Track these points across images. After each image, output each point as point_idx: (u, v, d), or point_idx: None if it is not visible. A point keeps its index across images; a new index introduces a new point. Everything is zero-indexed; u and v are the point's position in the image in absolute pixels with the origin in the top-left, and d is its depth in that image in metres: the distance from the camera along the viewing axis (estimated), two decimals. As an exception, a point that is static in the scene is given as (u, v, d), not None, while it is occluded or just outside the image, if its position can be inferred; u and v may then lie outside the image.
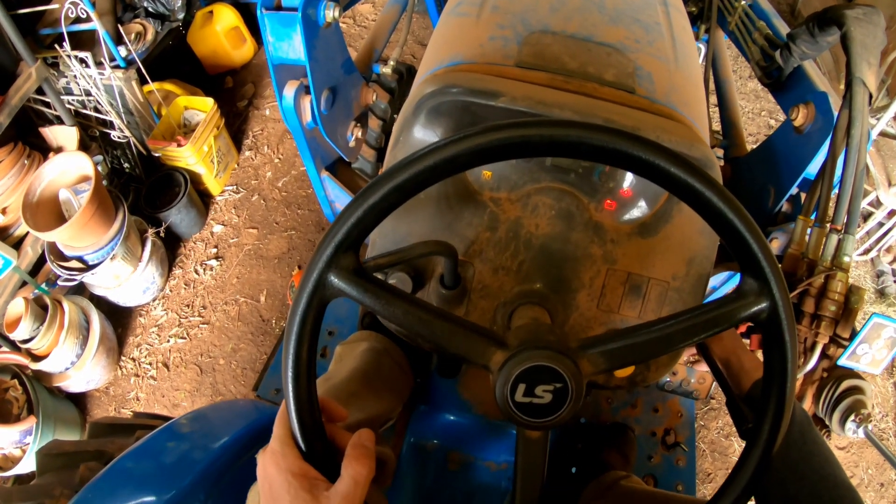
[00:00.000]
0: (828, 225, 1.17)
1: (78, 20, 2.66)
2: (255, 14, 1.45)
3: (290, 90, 1.49)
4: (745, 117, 4.10)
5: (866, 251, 3.50)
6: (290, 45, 1.43)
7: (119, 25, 2.91)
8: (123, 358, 2.87)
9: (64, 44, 2.60)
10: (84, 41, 2.81)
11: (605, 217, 1.08)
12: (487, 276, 1.08)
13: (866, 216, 3.36)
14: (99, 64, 2.72)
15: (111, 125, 2.86)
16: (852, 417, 1.06)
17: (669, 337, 0.72)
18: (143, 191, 3.04)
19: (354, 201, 0.67)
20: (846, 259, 1.13)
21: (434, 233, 1.06)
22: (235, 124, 3.70)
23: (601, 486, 1.48)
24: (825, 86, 1.41)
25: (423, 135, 1.06)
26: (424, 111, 1.04)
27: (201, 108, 3.12)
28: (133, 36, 3.04)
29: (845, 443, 2.85)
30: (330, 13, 1.45)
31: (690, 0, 2.46)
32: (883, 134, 3.16)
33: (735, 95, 2.11)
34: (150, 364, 2.84)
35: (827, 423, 1.11)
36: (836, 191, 1.19)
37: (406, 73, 1.97)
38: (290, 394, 0.71)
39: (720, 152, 1.87)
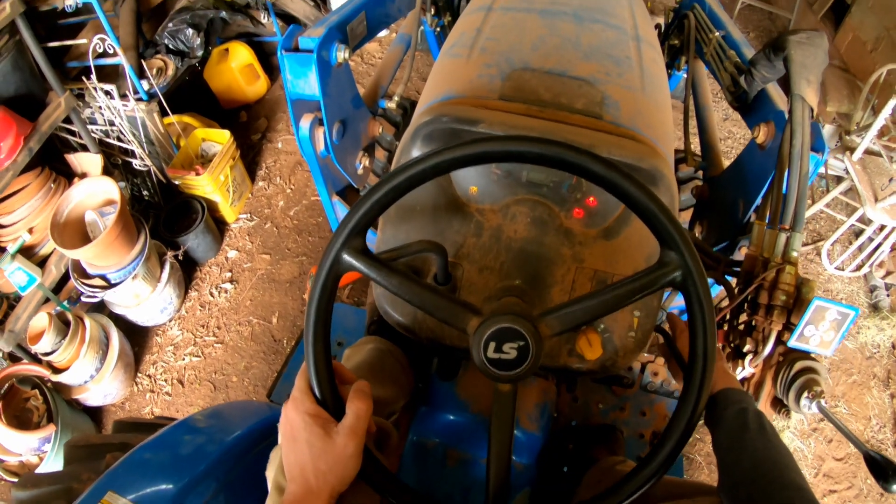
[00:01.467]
0: (778, 225, 1.28)
1: (104, 55, 2.81)
2: (268, 52, 1.60)
3: (305, 122, 1.63)
4: (736, 141, 4.22)
5: (858, 267, 3.56)
6: (306, 83, 1.58)
7: (142, 61, 3.06)
8: (140, 374, 2.96)
9: (91, 76, 2.75)
10: (108, 74, 2.96)
11: (573, 223, 1.24)
12: (474, 274, 1.23)
13: (857, 233, 3.42)
14: (123, 96, 2.87)
15: (133, 154, 3.00)
16: (806, 394, 1.11)
17: (608, 301, 0.88)
18: (162, 216, 3.16)
19: (363, 198, 0.87)
20: (794, 254, 1.24)
21: (428, 238, 1.20)
22: (249, 156, 3.84)
23: (600, 470, 1.55)
24: (784, 105, 1.52)
25: (418, 154, 1.22)
26: (420, 137, 1.23)
27: (218, 139, 3.26)
28: (155, 71, 3.20)
29: (842, 453, 2.88)
30: (341, 54, 1.62)
31: (673, 33, 2.62)
32: (868, 151, 3.25)
33: (713, 120, 2.24)
34: (166, 381, 2.93)
35: (784, 402, 1.18)
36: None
37: (409, 108, 2.12)
38: (310, 350, 0.88)
39: (699, 173, 2.00)
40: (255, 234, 3.46)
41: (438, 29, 2.72)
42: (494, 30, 1.63)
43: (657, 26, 2.95)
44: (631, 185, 0.83)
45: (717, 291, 1.54)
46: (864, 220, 3.34)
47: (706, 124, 2.20)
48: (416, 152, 1.24)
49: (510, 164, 1.23)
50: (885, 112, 2.97)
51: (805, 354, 1.15)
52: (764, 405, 1.23)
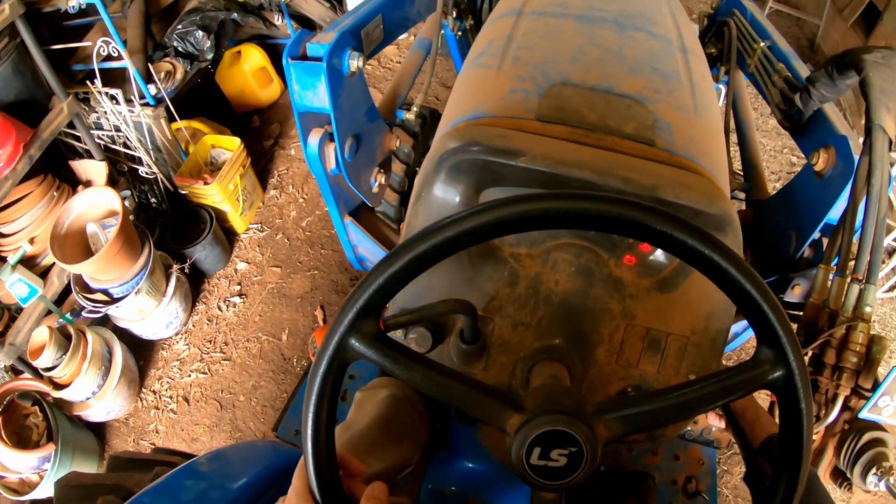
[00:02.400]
0: (849, 274, 1.14)
1: (109, 58, 2.72)
2: (281, 55, 1.46)
3: (314, 138, 1.50)
4: (767, 155, 4.07)
5: (892, 288, 3.42)
6: (314, 94, 1.44)
7: (149, 64, 2.97)
8: (144, 390, 2.88)
9: (95, 80, 2.67)
10: (115, 78, 2.87)
11: (624, 272, 1.08)
12: (507, 331, 1.07)
13: (891, 252, 3.28)
14: (129, 101, 2.79)
15: (139, 161, 2.92)
16: (874, 471, 1.03)
17: (685, 404, 0.72)
18: (169, 226, 3.07)
19: (376, 268, 0.69)
20: (868, 309, 1.10)
21: (454, 288, 1.06)
22: (261, 163, 3.75)
23: None
24: (846, 129, 1.38)
25: (444, 192, 1.07)
26: (445, 168, 1.05)
27: (228, 146, 3.17)
28: (163, 74, 3.11)
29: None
30: (354, 63, 1.47)
31: (710, 42, 2.47)
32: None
33: (755, 137, 2.10)
34: (171, 397, 2.84)
35: (848, 475, 1.08)
36: (857, 237, 1.16)
37: (430, 117, 1.98)
38: (310, 451, 0.72)
39: (742, 195, 1.85)
40: (266, 245, 3.36)
41: (460, 33, 2.58)
42: (527, 37, 1.45)
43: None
44: (735, 269, 0.67)
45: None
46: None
47: (748, 142, 2.06)
48: (439, 186, 1.08)
49: None
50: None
51: (874, 424, 1.05)
52: (823, 475, 1.13)
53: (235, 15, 3.57)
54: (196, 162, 3.06)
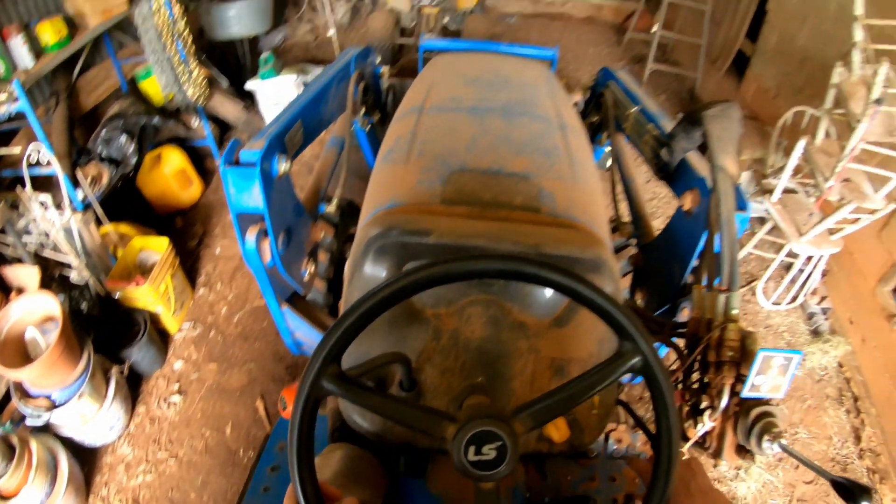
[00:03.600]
0: (716, 287, 1.43)
1: (38, 163, 2.85)
2: (201, 156, 1.71)
3: (251, 235, 1.72)
4: (662, 202, 4.53)
5: (793, 299, 3.83)
6: (249, 196, 1.67)
7: (76, 169, 3.12)
8: (92, 496, 2.89)
9: (24, 186, 2.79)
10: (42, 183, 3.00)
11: (526, 316, 1.36)
12: (437, 377, 1.33)
13: (787, 267, 3.67)
14: (58, 206, 2.92)
15: (70, 266, 3.01)
16: (767, 437, 1.21)
17: (575, 394, 0.99)
18: (103, 330, 3.15)
19: (335, 326, 0.97)
20: (734, 311, 1.38)
21: (390, 347, 1.30)
22: (188, 263, 3.89)
23: None
24: (705, 172, 1.70)
25: (373, 271, 1.36)
26: (371, 251, 1.35)
27: (156, 248, 3.33)
28: (89, 179, 3.27)
29: (810, 476, 3.06)
30: (282, 166, 1.74)
31: (592, 111, 2.90)
32: (785, 190, 3.54)
33: (640, 190, 2.46)
34: (120, 501, 2.86)
35: (748, 447, 1.27)
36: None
37: (348, 208, 2.28)
38: (296, 476, 0.96)
39: (633, 241, 2.18)
40: (201, 342, 3.46)
41: (369, 127, 2.94)
42: (428, 132, 1.80)
43: (576, 104, 3.26)
44: (585, 289, 0.97)
45: (665, 353, 1.67)
46: (792, 255, 3.61)
47: (633, 194, 2.44)
48: (368, 266, 1.36)
49: None
50: (796, 152, 3.31)
51: (759, 401, 1.26)
52: (729, 454, 1.31)
53: (156, 119, 3.80)
54: (126, 265, 3.20)
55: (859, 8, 2.86)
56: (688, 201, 1.70)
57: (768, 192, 3.66)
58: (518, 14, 8.15)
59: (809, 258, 3.58)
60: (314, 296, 2.11)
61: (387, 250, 1.33)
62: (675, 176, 1.89)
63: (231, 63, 5.28)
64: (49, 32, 3.28)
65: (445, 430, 0.96)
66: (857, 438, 3.28)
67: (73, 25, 3.51)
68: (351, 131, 2.51)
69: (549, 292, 1.36)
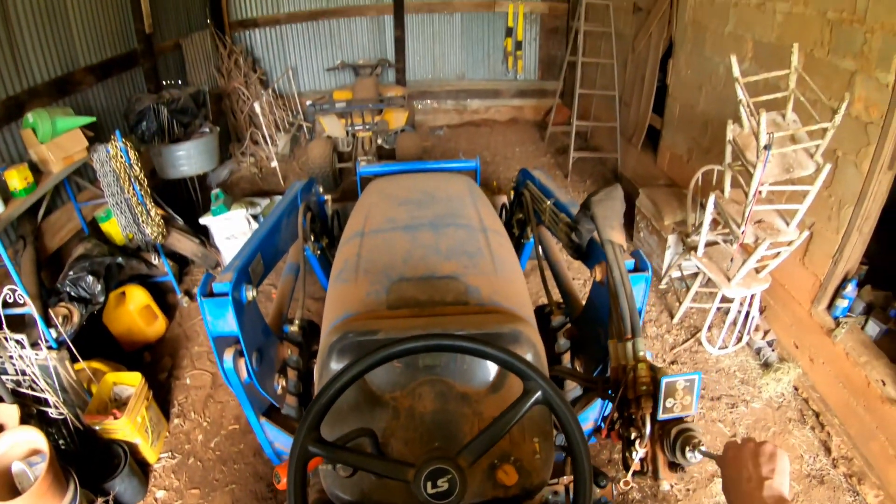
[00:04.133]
0: (623, 338, 1.69)
1: (13, 304, 2.94)
2: (163, 291, 2.01)
3: (228, 355, 1.96)
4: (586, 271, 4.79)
5: (738, 339, 4.09)
6: (224, 322, 1.94)
7: (48, 309, 3.25)
8: None
9: (1, 327, 2.86)
10: (15, 324, 3.06)
11: (467, 388, 1.68)
12: (401, 447, 1.58)
13: (726, 311, 3.95)
14: (34, 345, 3.01)
15: (47, 402, 3.06)
16: (688, 449, 1.40)
17: (498, 428, 1.25)
18: (84, 463, 3.17)
19: (313, 402, 1.26)
20: (640, 353, 1.64)
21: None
22: (160, 395, 3.94)
23: None
24: (607, 236, 2.02)
25: (337, 366, 1.66)
26: (334, 352, 1.66)
27: (130, 382, 3.42)
28: (61, 318, 3.38)
29: (792, 495, 3.13)
30: (250, 293, 2.04)
31: (518, 209, 3.29)
32: (708, 244, 3.88)
33: (565, 270, 2.83)
34: None
35: (677, 462, 1.44)
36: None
37: (308, 328, 2.59)
38: None
39: (566, 318, 2.49)
40: (180, 470, 3.49)
41: (319, 251, 3.26)
42: (370, 252, 2.17)
43: (503, 205, 3.66)
44: (489, 349, 1.27)
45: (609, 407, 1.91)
46: (727, 300, 3.90)
47: (560, 276, 2.81)
48: (333, 364, 1.67)
49: (408, 357, 1.66)
50: (709, 207, 3.66)
51: (677, 420, 1.46)
52: (664, 472, 1.48)
53: (119, 259, 3.99)
54: (102, 399, 3.28)
55: (736, 71, 3.28)
56: (598, 273, 2.01)
57: (693, 248, 3.98)
58: (446, 126, 8.70)
59: (743, 299, 3.88)
60: (287, 410, 2.32)
61: (346, 350, 1.65)
62: (587, 254, 2.22)
63: (183, 199, 5.54)
64: (16, 179, 3.46)
65: (407, 473, 1.20)
66: (828, 450, 3.46)
67: (37, 171, 3.71)
68: (304, 257, 2.84)
69: (481, 367, 1.67)
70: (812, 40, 3.53)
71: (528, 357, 1.69)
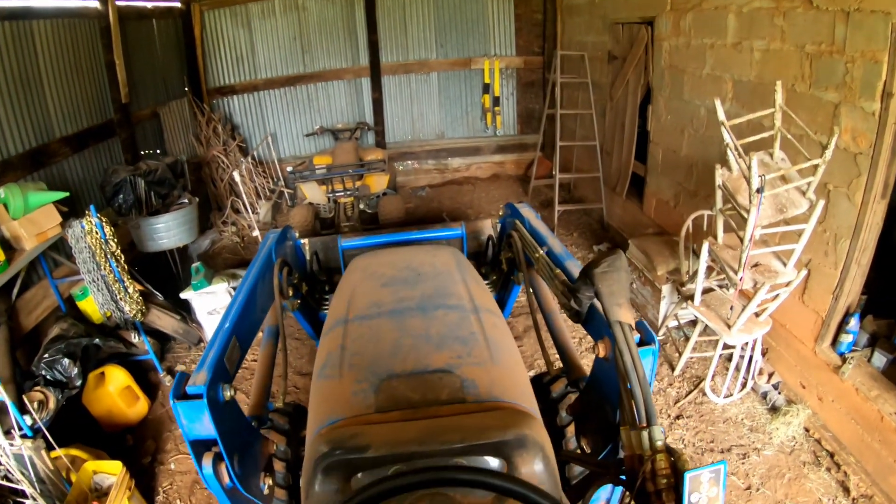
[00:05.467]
0: (638, 426, 1.60)
1: None
2: (144, 370, 1.89)
3: (207, 461, 1.83)
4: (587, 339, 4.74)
5: (743, 385, 3.99)
6: (201, 425, 1.81)
7: (22, 395, 3.11)
8: None
9: None
10: None
11: (468, 500, 1.51)
12: None
13: (728, 358, 3.88)
14: (7, 433, 2.85)
15: (24, 494, 2.90)
16: None
17: None
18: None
19: None
20: (658, 443, 1.55)
21: None
22: (143, 482, 3.76)
23: None
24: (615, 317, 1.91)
25: (323, 487, 1.50)
26: (320, 470, 1.51)
27: (110, 471, 3.25)
28: (36, 404, 3.24)
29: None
30: (227, 393, 1.90)
31: (505, 248, 3.17)
32: (705, 291, 3.83)
33: (561, 324, 2.69)
34: None
35: None
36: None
37: (294, 412, 2.42)
38: None
39: (573, 391, 2.36)
40: (169, 565, 3.32)
41: (298, 302, 3.09)
42: (355, 343, 2.04)
43: (489, 238, 3.56)
44: (499, 481, 1.18)
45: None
46: (728, 347, 3.84)
47: (556, 331, 2.68)
48: (318, 484, 1.52)
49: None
50: (703, 255, 3.60)
51: None
52: None
53: (97, 339, 3.85)
54: (81, 490, 3.11)
55: (721, 114, 3.28)
56: (601, 350, 1.91)
57: (690, 297, 3.92)
58: (428, 186, 8.74)
59: (745, 344, 3.80)
60: None
61: (333, 467, 1.50)
62: (588, 320, 2.10)
63: (163, 273, 5.43)
64: (-12, 257, 3.36)
65: None
66: (846, 490, 3.34)
67: (9, 248, 3.64)
68: (283, 315, 2.70)
69: None
70: (792, 75, 3.56)
71: (537, 464, 1.57)
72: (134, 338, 4.29)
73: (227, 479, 1.86)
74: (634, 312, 5.20)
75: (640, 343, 1.92)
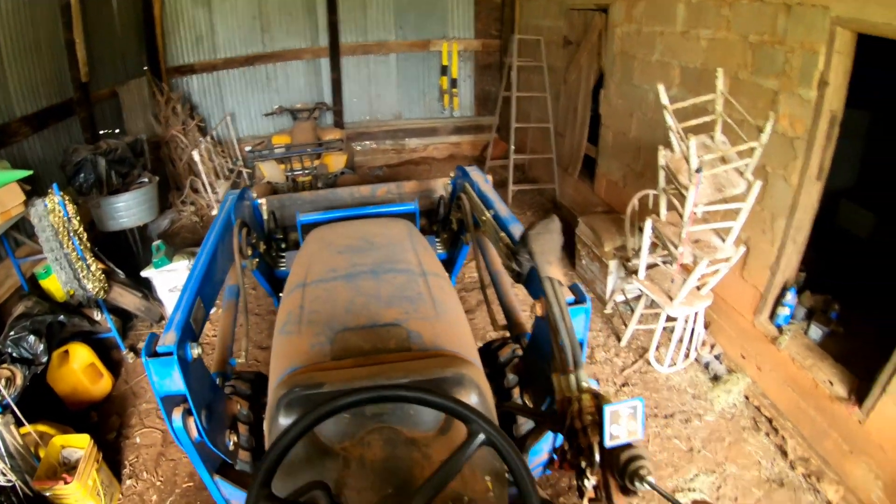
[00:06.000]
0: (566, 370, 1.72)
1: None
2: (107, 348, 1.97)
3: (177, 415, 1.92)
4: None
5: (686, 356, 4.19)
6: (171, 381, 1.91)
7: None
8: None
9: None
10: None
11: (415, 433, 1.68)
12: (355, 497, 1.55)
13: (672, 330, 4.07)
14: None
15: None
16: (637, 479, 1.39)
17: (447, 471, 1.26)
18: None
19: (263, 459, 1.27)
20: (584, 384, 1.67)
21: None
22: (110, 456, 3.79)
23: None
24: (545, 273, 2.05)
25: (285, 421, 1.67)
26: (282, 406, 1.67)
27: (78, 444, 3.29)
28: (3, 381, 3.25)
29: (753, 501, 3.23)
30: (195, 351, 1.99)
31: (455, 209, 3.27)
32: (649, 266, 4.00)
33: (507, 285, 2.82)
34: None
35: (630, 488, 1.44)
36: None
37: (256, 379, 2.54)
38: None
39: (518, 348, 2.52)
40: (137, 534, 3.38)
41: (257, 262, 3.19)
42: (313, 302, 2.19)
43: (440, 198, 3.67)
44: (426, 395, 1.31)
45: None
46: (672, 319, 4.03)
47: (502, 290, 2.82)
48: (281, 419, 1.68)
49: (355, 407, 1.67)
50: (647, 231, 3.78)
51: (626, 447, 1.45)
52: (617, 498, 1.47)
53: (61, 316, 3.86)
54: (50, 464, 3.15)
55: (664, 98, 3.44)
56: (539, 309, 2.03)
57: (635, 272, 4.10)
58: (385, 166, 8.78)
59: (688, 317, 4.00)
60: (241, 466, 2.28)
61: (293, 404, 1.66)
62: (528, 281, 2.24)
63: (124, 252, 5.40)
64: (-50, 236, 3.33)
65: None
66: (784, 453, 3.56)
67: None
68: (243, 274, 2.81)
69: (428, 411, 1.68)
70: (736, 63, 3.74)
71: (473, 398, 1.72)
72: (97, 315, 4.29)
73: (195, 433, 1.95)
74: (570, 268, 5.44)
75: (575, 302, 2.07)
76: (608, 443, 1.43)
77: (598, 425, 1.49)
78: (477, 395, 1.73)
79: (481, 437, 1.27)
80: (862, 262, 4.60)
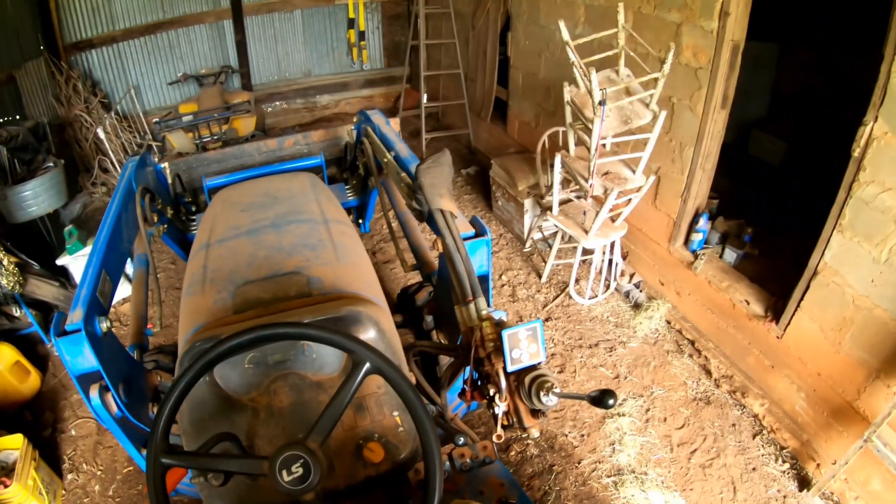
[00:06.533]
0: (465, 301, 1.75)
1: None
2: (32, 343, 1.90)
3: (94, 392, 1.87)
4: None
5: (606, 287, 4.33)
6: (83, 358, 1.86)
7: None
8: None
9: None
10: None
11: (319, 376, 1.69)
12: (267, 445, 1.58)
13: (590, 263, 4.19)
14: None
15: None
16: (543, 394, 1.42)
17: (337, 403, 1.28)
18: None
19: (157, 413, 1.26)
20: (483, 312, 1.71)
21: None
22: (47, 453, 3.70)
23: None
24: (436, 205, 2.05)
25: None
26: (185, 364, 1.58)
27: (12, 445, 3.20)
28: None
29: (680, 421, 3.42)
30: (104, 325, 1.95)
31: (359, 156, 3.31)
32: (562, 202, 4.07)
33: (414, 224, 2.81)
34: None
35: (537, 408, 1.47)
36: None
37: (176, 351, 2.44)
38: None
39: (429, 286, 2.54)
40: (84, 525, 3.34)
41: (164, 227, 3.11)
42: (215, 261, 2.13)
43: (346, 144, 3.62)
44: (312, 331, 1.30)
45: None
46: (588, 251, 4.15)
47: (408, 229, 2.83)
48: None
49: (258, 356, 1.65)
50: (556, 167, 3.84)
51: (529, 369, 1.49)
52: (528, 420, 1.50)
53: (-23, 319, 3.69)
54: (-14, 470, 3.06)
55: (566, 35, 3.45)
56: (439, 244, 2.02)
57: (549, 208, 4.17)
58: (298, 125, 8.58)
59: (605, 248, 4.12)
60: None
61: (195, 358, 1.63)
62: (430, 220, 2.20)
63: (37, 243, 5.14)
64: None
65: (262, 466, 1.21)
66: (708, 372, 3.75)
67: None
68: (150, 242, 2.75)
69: (330, 354, 1.68)
70: (639, -2, 3.76)
71: (371, 334, 1.71)
72: (16, 312, 4.12)
73: (115, 409, 1.92)
74: (457, 203, 5.42)
75: (476, 235, 2.10)
76: (510, 367, 1.48)
77: (500, 351, 1.51)
78: (376, 331, 1.72)
79: (367, 365, 1.28)
80: (774, 187, 4.83)
